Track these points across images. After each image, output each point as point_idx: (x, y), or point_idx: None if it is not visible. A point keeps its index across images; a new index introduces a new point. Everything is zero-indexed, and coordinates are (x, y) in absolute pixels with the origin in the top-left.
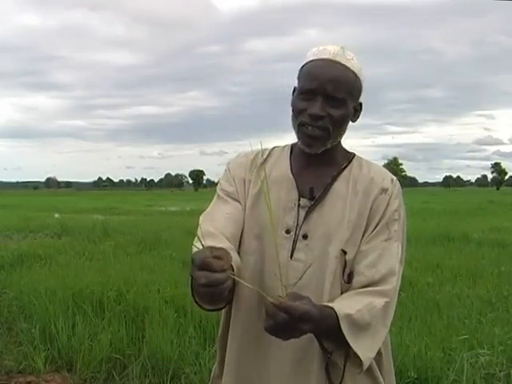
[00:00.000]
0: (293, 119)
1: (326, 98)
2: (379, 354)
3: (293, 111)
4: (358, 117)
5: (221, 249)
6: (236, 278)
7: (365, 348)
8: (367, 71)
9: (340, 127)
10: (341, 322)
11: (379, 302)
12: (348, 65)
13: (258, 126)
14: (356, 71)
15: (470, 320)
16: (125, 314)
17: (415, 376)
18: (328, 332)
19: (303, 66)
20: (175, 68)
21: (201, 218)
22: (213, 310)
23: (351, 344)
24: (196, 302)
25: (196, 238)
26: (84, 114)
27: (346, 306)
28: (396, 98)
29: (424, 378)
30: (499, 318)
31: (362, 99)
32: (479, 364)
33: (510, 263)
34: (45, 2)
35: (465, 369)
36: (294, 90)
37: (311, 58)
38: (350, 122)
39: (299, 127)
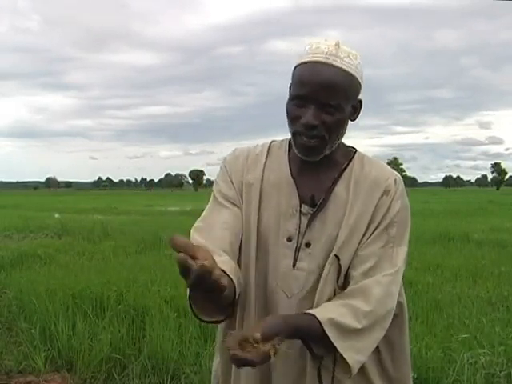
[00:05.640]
0: (288, 125)
1: (320, 105)
2: (379, 359)
3: (287, 117)
4: (358, 114)
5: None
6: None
7: (353, 351)
8: (382, 72)
9: (336, 132)
10: (324, 326)
11: (367, 305)
12: (342, 66)
13: (267, 125)
14: (351, 71)
15: (470, 320)
16: (125, 314)
17: (415, 376)
18: (314, 338)
19: (296, 67)
20: (194, 68)
21: (197, 224)
22: (211, 322)
23: (337, 346)
24: (194, 314)
25: None
26: (95, 113)
27: (328, 310)
28: (405, 98)
29: (424, 378)
30: (500, 318)
31: (361, 96)
32: (479, 364)
33: (510, 263)
34: None
35: (465, 369)
36: (290, 88)
37: (304, 60)
38: (350, 122)
39: (294, 135)
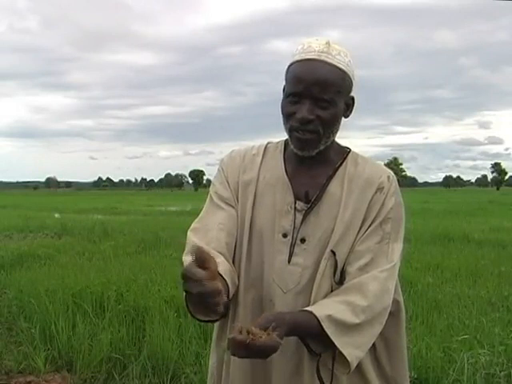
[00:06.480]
0: (283, 122)
1: (314, 100)
2: (375, 357)
3: (282, 114)
4: (351, 111)
5: (203, 252)
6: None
7: (351, 347)
8: (382, 72)
9: (331, 127)
10: (322, 323)
11: (365, 300)
12: (334, 62)
13: (267, 125)
14: (343, 67)
15: (470, 320)
16: (125, 314)
17: (415, 376)
18: (311, 335)
19: (289, 66)
20: (194, 68)
21: (193, 225)
22: (207, 321)
23: (336, 343)
24: (190, 312)
25: (186, 251)
26: (95, 113)
27: (326, 307)
28: (405, 98)
29: (424, 378)
30: (500, 318)
31: (353, 93)
32: (479, 364)
33: (510, 263)
34: None
35: (465, 369)
36: (284, 89)
37: (296, 58)
38: (344, 118)
39: (290, 132)
